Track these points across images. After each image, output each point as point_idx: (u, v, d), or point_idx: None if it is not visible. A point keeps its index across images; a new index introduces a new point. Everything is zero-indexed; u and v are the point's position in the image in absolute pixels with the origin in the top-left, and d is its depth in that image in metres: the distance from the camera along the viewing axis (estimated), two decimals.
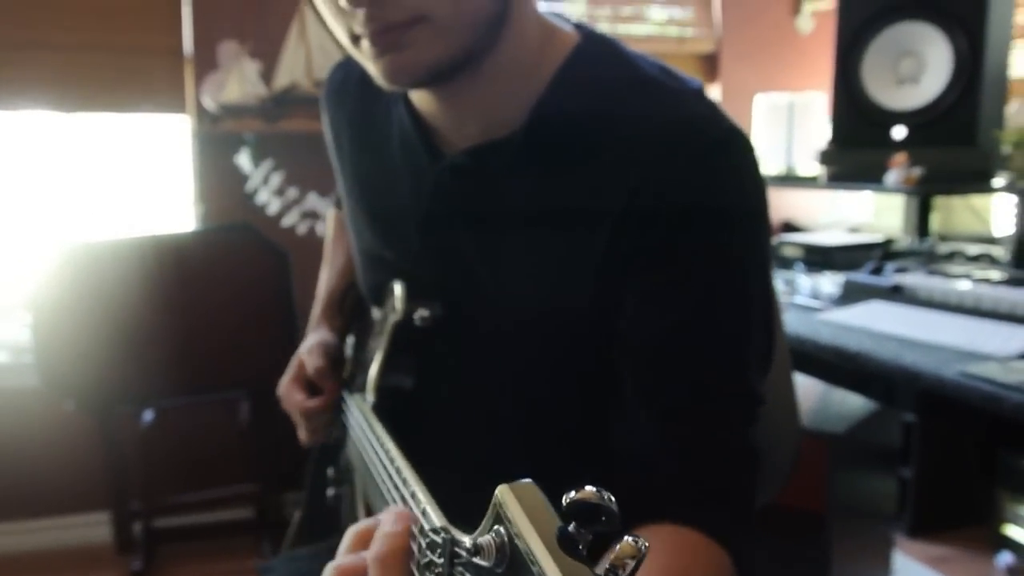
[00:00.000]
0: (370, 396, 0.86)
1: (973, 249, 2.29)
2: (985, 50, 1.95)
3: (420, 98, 0.83)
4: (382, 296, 0.91)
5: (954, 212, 2.55)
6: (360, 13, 0.70)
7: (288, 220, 2.81)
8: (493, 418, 0.84)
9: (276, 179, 2.77)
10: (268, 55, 2.73)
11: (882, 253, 2.18)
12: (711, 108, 0.77)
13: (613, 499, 0.37)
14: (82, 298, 2.42)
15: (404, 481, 0.62)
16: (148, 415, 2.68)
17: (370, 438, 0.79)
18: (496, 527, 0.41)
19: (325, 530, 1.06)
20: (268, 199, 2.78)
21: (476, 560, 0.42)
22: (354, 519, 0.95)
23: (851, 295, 1.71)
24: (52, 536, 2.78)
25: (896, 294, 1.63)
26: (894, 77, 2.11)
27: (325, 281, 1.16)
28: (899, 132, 2.10)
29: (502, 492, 0.41)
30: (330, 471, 1.04)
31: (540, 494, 0.41)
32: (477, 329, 0.83)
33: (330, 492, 1.01)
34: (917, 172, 1.96)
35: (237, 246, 2.63)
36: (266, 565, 1.07)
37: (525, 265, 0.80)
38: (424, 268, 0.87)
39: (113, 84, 2.71)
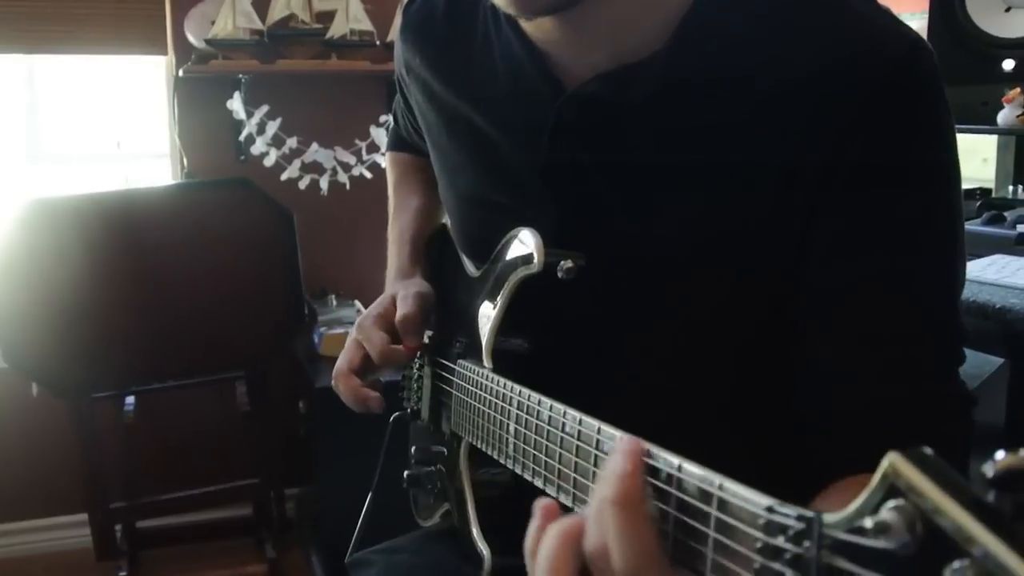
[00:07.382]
0: (487, 362, 0.83)
1: None
2: None
3: (535, 27, 0.80)
4: (489, 247, 0.87)
5: None
6: None
7: (288, 174, 2.66)
8: (634, 379, 0.81)
9: (273, 127, 2.62)
10: None
11: (983, 200, 2.10)
12: (887, 17, 0.74)
13: None
14: (48, 264, 2.28)
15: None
16: (130, 402, 2.55)
17: (537, 404, 0.72)
18: (895, 502, 0.38)
19: (404, 520, 1.09)
20: (264, 150, 2.62)
21: (870, 543, 0.39)
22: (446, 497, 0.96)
23: (968, 246, 1.66)
24: (24, 542, 2.71)
25: (1020, 246, 1.62)
26: (1002, 2, 2.01)
27: (402, 225, 1.14)
28: (1008, 65, 1.99)
29: (896, 462, 0.38)
30: (413, 450, 1.04)
31: (943, 462, 0.37)
32: (615, 279, 0.80)
33: (411, 472, 1.00)
34: None
35: (232, 204, 2.49)
36: (360, 558, 1.06)
37: (676, 207, 0.78)
38: (548, 213, 0.83)
39: (83, 22, 2.56)
